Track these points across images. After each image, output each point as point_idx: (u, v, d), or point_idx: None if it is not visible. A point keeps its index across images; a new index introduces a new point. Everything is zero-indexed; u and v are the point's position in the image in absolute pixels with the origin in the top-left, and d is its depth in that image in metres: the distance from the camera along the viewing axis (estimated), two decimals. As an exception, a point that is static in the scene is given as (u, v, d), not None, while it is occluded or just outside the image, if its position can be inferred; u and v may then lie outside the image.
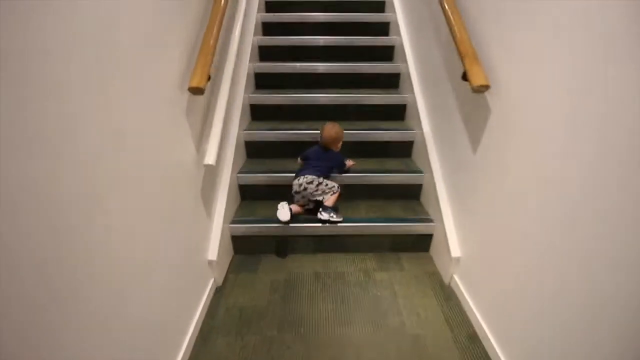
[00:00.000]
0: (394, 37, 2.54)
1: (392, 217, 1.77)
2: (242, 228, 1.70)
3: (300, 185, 1.67)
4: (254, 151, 2.08)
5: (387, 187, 1.91)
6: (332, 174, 1.81)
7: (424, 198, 1.91)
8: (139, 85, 0.93)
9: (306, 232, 1.71)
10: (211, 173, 1.52)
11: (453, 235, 1.56)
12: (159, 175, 1.05)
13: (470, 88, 1.22)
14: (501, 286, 1.19)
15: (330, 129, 1.75)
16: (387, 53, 2.58)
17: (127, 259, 0.87)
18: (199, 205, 1.38)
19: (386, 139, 2.07)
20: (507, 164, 1.15)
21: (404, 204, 1.90)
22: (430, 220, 1.73)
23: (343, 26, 2.62)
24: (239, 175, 1.85)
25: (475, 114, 1.35)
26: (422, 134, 1.91)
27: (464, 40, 1.32)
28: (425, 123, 1.93)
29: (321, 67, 2.36)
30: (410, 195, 1.94)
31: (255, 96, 2.19)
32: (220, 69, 1.59)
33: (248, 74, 2.19)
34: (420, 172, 1.90)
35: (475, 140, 1.36)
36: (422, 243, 1.77)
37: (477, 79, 1.20)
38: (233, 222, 1.71)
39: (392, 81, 2.43)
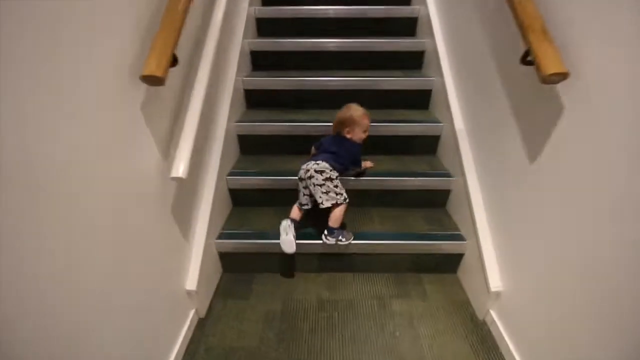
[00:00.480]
0: (417, 6, 2.12)
1: (413, 231, 1.45)
2: (232, 244, 1.42)
3: (308, 171, 1.34)
4: (250, 146, 1.76)
5: (406, 192, 1.59)
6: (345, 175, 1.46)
7: (452, 206, 1.58)
8: (65, 76, 0.62)
9: (309, 250, 1.42)
10: (189, 180, 1.22)
11: (492, 260, 1.24)
12: (106, 194, 0.76)
13: (539, 76, 0.87)
14: (564, 340, 0.89)
15: (344, 111, 1.42)
16: (408, 26, 2.17)
17: (70, 310, 0.63)
18: (171, 225, 1.09)
19: (407, 132, 1.72)
20: (583, 185, 0.81)
21: (427, 213, 1.57)
22: (461, 238, 1.41)
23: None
24: (229, 177, 1.55)
25: (537, 110, 1.00)
26: (453, 128, 1.55)
27: (527, 6, 0.94)
28: (457, 115, 1.56)
29: (331, 44, 1.99)
30: (435, 203, 1.62)
31: (251, 79, 1.85)
32: (199, 47, 1.25)
33: (242, 53, 1.84)
34: (449, 175, 1.56)
35: (533, 146, 1.01)
36: (448, 263, 1.46)
37: (549, 64, 0.84)
38: (221, 236, 1.42)
39: (414, 61, 2.04)
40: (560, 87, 0.89)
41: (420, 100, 1.89)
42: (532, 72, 0.91)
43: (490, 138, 1.29)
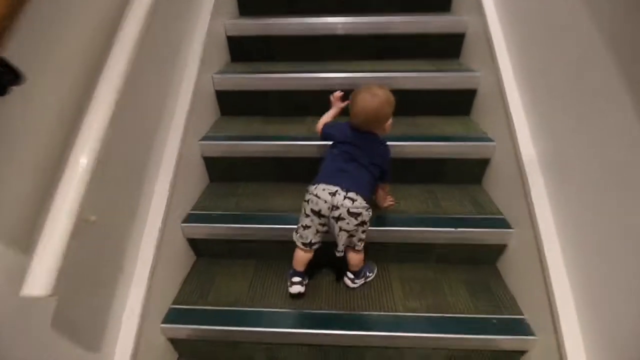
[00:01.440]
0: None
1: (453, 314, 0.97)
2: (187, 330, 0.97)
3: (336, 208, 0.85)
4: (221, 173, 1.28)
5: (441, 246, 1.10)
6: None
7: (507, 268, 1.09)
8: None
9: (301, 340, 0.97)
10: (107, 252, 0.77)
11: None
12: None
13: None
14: None
15: (370, 100, 0.88)
16: (441, -2, 1.61)
17: None
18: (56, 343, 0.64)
19: (441, 154, 1.21)
20: None
21: (469, 275, 1.09)
22: (528, 330, 0.93)
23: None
24: (185, 225, 1.08)
25: None
26: (515, 151, 1.04)
27: None
28: (524, 132, 1.04)
29: (339, 25, 1.46)
30: (481, 260, 1.13)
31: (223, 77, 1.34)
32: (113, 35, 0.76)
33: (214, 38, 1.33)
34: (507, 225, 1.06)
35: None
36: (503, 357, 0.99)
37: None
38: (169, 317, 0.97)
39: (449, 47, 1.49)
40: None
41: (459, 105, 1.37)
42: None
43: (598, 184, 0.78)
